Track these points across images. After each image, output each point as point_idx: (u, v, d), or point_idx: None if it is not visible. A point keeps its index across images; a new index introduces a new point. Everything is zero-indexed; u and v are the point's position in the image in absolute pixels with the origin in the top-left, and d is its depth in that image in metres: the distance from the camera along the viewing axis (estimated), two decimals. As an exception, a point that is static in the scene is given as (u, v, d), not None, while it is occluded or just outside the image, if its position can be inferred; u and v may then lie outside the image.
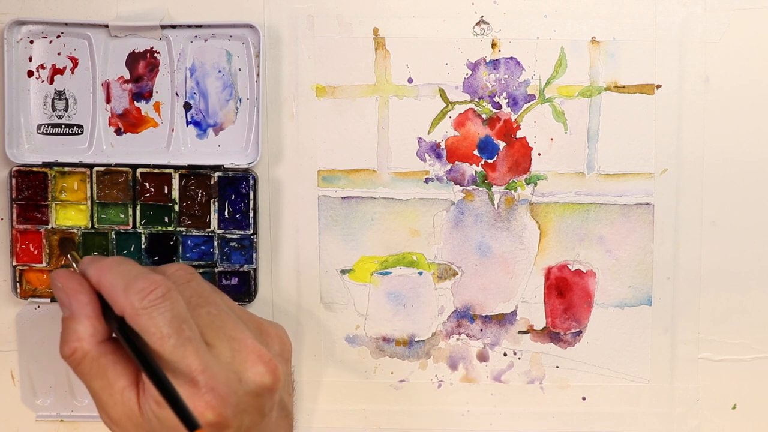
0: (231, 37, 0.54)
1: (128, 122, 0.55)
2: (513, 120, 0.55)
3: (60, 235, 0.54)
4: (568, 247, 0.55)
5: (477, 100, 0.55)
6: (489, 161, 0.55)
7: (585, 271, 0.56)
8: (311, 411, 0.57)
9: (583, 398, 0.56)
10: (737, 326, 0.55)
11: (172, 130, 0.55)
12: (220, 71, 0.54)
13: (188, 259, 0.55)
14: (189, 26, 0.54)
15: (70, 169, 0.54)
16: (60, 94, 0.55)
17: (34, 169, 0.54)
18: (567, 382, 0.56)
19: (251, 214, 0.54)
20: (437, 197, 0.55)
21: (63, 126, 0.55)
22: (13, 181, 0.54)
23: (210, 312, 0.45)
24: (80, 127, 0.55)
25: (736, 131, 0.54)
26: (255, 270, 0.55)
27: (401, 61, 0.54)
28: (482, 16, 0.54)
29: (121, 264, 0.46)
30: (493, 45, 0.54)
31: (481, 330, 0.56)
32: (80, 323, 0.45)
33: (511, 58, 0.54)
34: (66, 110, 0.55)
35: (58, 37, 0.54)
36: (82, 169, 0.54)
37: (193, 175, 0.54)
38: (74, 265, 0.49)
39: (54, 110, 0.55)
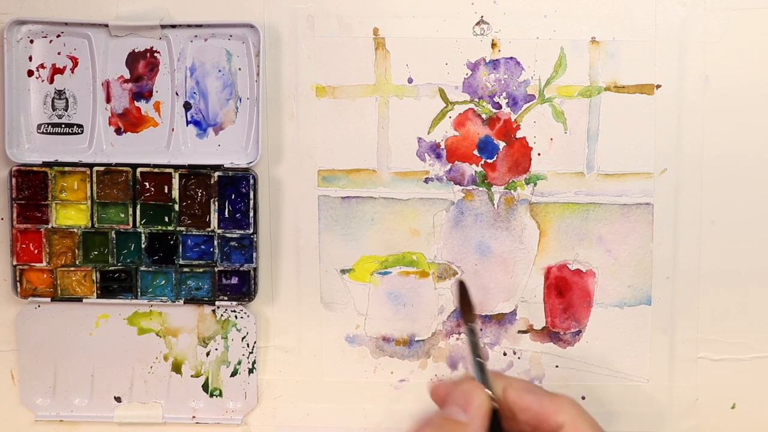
0: (231, 36, 0.54)
1: (128, 122, 0.55)
2: (513, 120, 0.55)
3: (460, 286, 0.50)
4: (568, 247, 0.55)
5: (477, 100, 0.55)
6: (489, 161, 0.55)
7: (584, 271, 0.56)
8: (311, 411, 0.57)
9: (583, 397, 0.56)
10: (736, 326, 0.55)
11: (172, 129, 0.55)
12: (220, 71, 0.54)
13: (188, 258, 0.55)
14: (189, 26, 0.54)
15: (70, 168, 0.54)
16: (60, 93, 0.55)
17: (34, 168, 0.54)
18: (566, 381, 0.56)
19: (251, 214, 0.54)
20: (437, 197, 0.55)
21: (63, 125, 0.55)
22: (13, 180, 0.54)
23: None
24: (80, 126, 0.55)
25: (736, 131, 0.54)
26: (255, 269, 0.55)
27: (401, 61, 0.54)
28: (482, 16, 0.54)
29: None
30: (493, 45, 0.54)
31: (481, 329, 0.56)
32: None
33: (511, 58, 0.54)
34: (66, 110, 0.55)
35: (58, 36, 0.54)
36: (82, 169, 0.54)
37: (193, 174, 0.54)
38: (467, 331, 0.49)
39: (54, 110, 0.55)
